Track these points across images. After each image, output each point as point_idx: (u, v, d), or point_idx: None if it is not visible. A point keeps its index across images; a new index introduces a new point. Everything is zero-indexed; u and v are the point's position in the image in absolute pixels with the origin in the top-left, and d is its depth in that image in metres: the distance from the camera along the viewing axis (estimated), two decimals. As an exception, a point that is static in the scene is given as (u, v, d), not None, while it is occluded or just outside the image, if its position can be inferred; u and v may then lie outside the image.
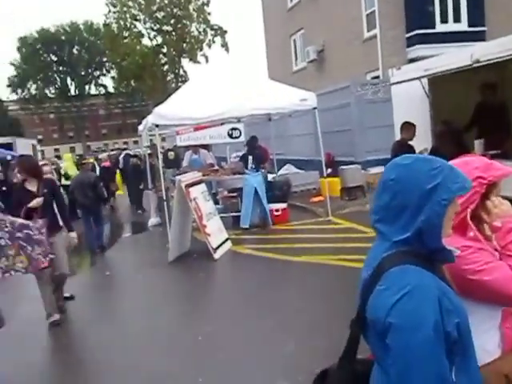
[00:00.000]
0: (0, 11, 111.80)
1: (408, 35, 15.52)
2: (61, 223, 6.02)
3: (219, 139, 9.76)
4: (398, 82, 8.14)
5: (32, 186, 5.88)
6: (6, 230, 3.80)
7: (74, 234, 6.17)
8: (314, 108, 10.00)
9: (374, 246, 1.55)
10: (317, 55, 19.92)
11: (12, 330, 3.53)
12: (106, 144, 73.29)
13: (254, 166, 10.26)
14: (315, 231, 9.43)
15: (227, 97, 9.55)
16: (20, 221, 4.12)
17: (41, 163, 6.79)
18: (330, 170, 11.84)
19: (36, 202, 5.67)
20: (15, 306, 3.66)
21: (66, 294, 6.61)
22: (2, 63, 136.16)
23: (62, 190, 7.85)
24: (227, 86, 9.82)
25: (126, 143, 71.39)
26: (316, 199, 11.97)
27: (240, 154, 11.72)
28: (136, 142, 70.00)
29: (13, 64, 69.89)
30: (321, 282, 6.58)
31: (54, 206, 5.97)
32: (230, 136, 9.54)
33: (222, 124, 9.68)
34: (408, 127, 7.41)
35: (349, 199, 11.47)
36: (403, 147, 6.81)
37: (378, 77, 15.71)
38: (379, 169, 11.99)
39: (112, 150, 40.56)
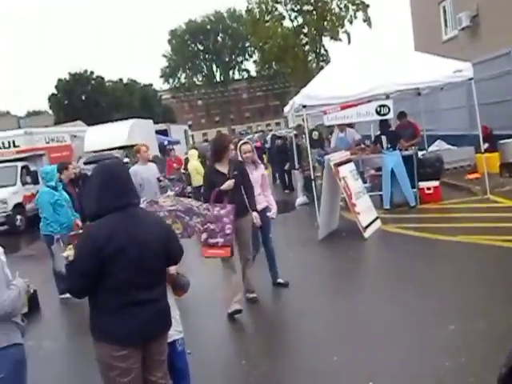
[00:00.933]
0: (152, 8, 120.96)
1: None
2: (247, 205, 5.67)
3: (367, 117, 9.57)
4: None
5: (223, 168, 5.58)
6: (170, 208, 4.11)
7: (255, 214, 5.71)
8: (470, 79, 9.32)
9: None
10: (470, 21, 18.41)
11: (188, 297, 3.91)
12: (249, 127, 76.04)
13: (389, 146, 9.93)
14: (471, 210, 8.87)
15: (374, 73, 9.34)
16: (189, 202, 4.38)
17: (242, 141, 6.44)
18: (486, 145, 10.98)
19: (227, 184, 5.41)
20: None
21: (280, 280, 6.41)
22: (155, 56, 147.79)
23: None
24: (373, 62, 9.59)
25: (268, 125, 73.38)
26: (471, 176, 11.23)
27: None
28: (278, 124, 71.61)
29: (164, 56, 75.49)
30: (478, 263, 6.26)
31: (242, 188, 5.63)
32: (378, 113, 9.29)
33: (369, 101, 9.48)
34: None
35: (509, 176, 10.58)
36: None
37: (543, 40, 14.08)
38: (545, 142, 10.87)
39: (255, 133, 42.00)
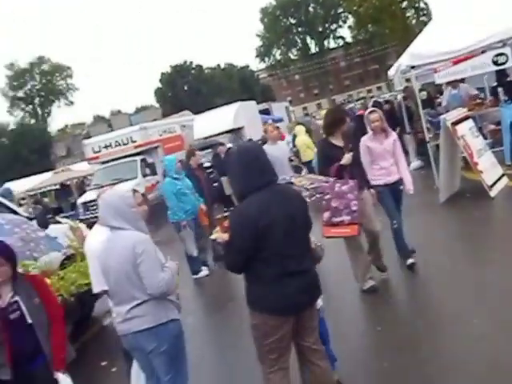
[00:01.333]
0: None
1: None
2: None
3: (483, 69, 8.93)
4: None
5: (337, 141, 5.27)
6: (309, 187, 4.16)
7: (372, 191, 5.46)
8: None
9: None
10: None
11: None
12: (350, 95, 74.25)
13: (506, 99, 9.16)
14: None
15: (485, 20, 8.66)
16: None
17: (369, 110, 6.04)
18: None
19: (347, 158, 5.07)
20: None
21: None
22: (249, 37, 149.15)
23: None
24: (482, 9, 8.89)
25: (369, 91, 71.10)
26: None
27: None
28: (379, 88, 69.18)
29: (258, 35, 75.89)
30: None
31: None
32: (496, 63, 8.63)
33: (483, 52, 8.85)
34: None
35: None
36: None
37: None
38: None
39: (357, 100, 40.97)
